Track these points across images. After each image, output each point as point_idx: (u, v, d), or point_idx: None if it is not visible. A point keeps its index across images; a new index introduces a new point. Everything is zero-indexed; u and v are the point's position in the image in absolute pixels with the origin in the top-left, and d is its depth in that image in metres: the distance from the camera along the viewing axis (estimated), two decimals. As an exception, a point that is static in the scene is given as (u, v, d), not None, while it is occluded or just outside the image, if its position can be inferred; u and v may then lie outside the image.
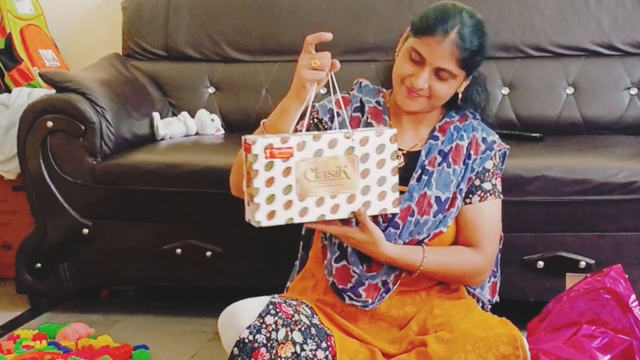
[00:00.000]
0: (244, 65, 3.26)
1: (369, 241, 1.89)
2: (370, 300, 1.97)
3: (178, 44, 3.33)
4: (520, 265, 2.53)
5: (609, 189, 2.46)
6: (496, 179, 2.04)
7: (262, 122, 1.93)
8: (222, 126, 3.20)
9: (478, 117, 2.10)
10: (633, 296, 2.03)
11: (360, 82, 2.14)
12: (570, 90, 3.03)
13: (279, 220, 1.77)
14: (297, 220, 1.79)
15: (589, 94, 3.02)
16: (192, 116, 3.16)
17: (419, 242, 1.96)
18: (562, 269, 2.51)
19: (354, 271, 1.97)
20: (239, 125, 3.17)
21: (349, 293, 1.97)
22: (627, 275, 2.09)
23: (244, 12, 3.27)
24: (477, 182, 2.02)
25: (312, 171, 1.76)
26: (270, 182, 1.74)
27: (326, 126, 2.04)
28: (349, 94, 2.11)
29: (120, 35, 3.40)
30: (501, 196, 2.04)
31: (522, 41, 3.09)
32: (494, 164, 2.04)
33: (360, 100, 2.09)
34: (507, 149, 2.09)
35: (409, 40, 1.96)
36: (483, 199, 2.02)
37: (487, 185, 2.02)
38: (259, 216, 1.75)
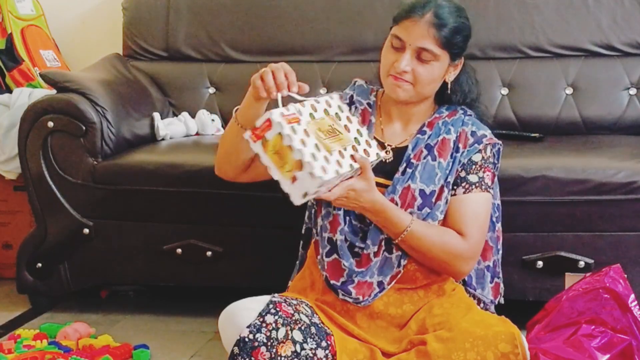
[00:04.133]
0: (244, 65, 3.25)
1: (366, 189, 1.90)
2: (361, 298, 1.98)
3: (178, 44, 3.33)
4: (520, 265, 2.53)
5: (608, 189, 2.46)
6: (484, 172, 2.03)
7: (234, 110, 2.02)
8: (222, 126, 3.19)
9: (470, 113, 2.11)
10: (632, 296, 2.03)
11: (355, 82, 2.21)
12: (569, 91, 3.03)
13: (331, 172, 1.79)
14: (341, 170, 1.82)
15: (588, 94, 3.01)
16: (193, 116, 3.16)
17: None
18: (562, 269, 2.51)
19: (344, 265, 1.98)
20: (239, 126, 3.17)
21: (339, 289, 1.99)
22: (626, 275, 2.09)
23: (244, 12, 3.27)
24: (463, 174, 2.03)
25: (320, 130, 1.84)
26: (302, 142, 1.79)
27: None
28: (343, 92, 2.18)
29: (121, 35, 3.40)
30: (489, 190, 2.03)
31: (522, 41, 3.09)
32: (483, 157, 2.04)
33: (351, 97, 2.16)
34: (500, 144, 2.09)
35: (390, 32, 2.03)
36: (468, 190, 2.02)
37: (472, 178, 2.02)
38: (318, 172, 1.77)
